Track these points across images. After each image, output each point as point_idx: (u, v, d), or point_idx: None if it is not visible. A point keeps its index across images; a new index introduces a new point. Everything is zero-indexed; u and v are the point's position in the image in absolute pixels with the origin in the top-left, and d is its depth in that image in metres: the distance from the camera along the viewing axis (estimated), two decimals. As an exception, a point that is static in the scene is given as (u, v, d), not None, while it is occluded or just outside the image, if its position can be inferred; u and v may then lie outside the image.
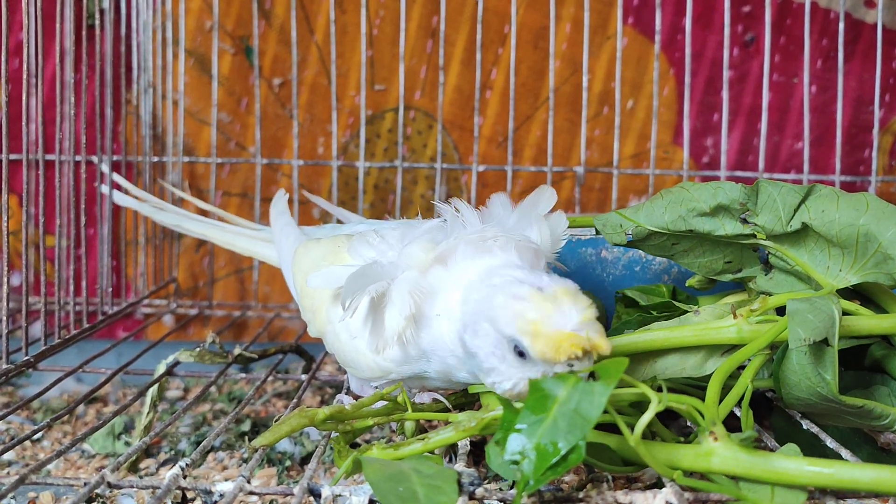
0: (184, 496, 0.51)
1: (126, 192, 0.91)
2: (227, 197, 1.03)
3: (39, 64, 0.74)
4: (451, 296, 0.54)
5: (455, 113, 1.02)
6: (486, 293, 0.52)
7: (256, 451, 0.54)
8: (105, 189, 0.91)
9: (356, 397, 0.66)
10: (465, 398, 0.63)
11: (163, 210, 0.88)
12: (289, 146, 1.02)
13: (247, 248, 0.83)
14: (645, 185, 1.02)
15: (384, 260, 0.57)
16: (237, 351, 0.78)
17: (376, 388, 0.65)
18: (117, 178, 0.92)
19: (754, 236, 0.61)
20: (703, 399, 0.54)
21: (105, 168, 0.92)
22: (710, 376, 0.56)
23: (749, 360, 0.56)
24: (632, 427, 0.46)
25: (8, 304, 0.70)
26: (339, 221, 0.88)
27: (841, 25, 0.96)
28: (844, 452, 0.54)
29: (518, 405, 0.48)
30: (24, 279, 0.73)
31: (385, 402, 0.57)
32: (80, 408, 0.90)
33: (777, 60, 1.00)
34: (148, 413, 0.76)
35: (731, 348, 0.58)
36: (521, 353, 0.49)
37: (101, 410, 0.91)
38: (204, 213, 0.94)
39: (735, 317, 0.57)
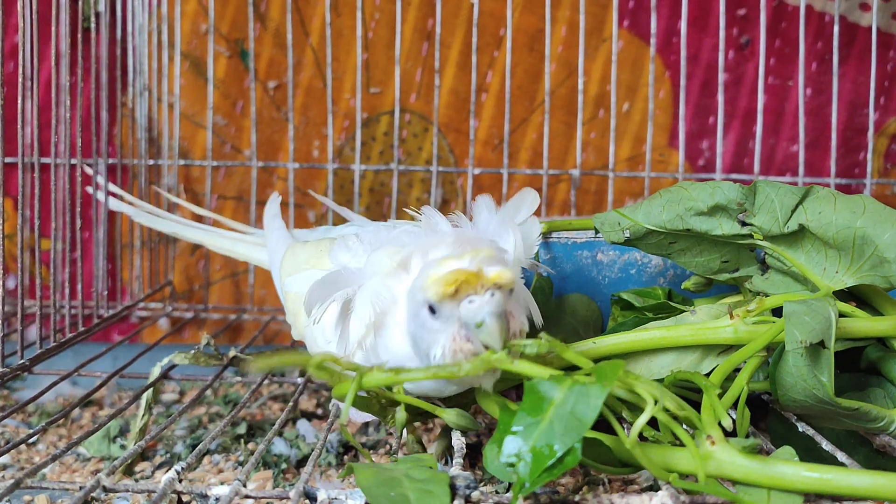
0: (179, 500, 0.51)
1: (121, 198, 0.91)
2: (223, 200, 1.03)
3: (35, 67, 0.74)
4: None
5: (451, 116, 1.02)
6: (419, 276, 0.52)
7: (252, 454, 0.53)
8: (100, 196, 0.91)
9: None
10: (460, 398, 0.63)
11: (159, 217, 0.88)
12: (284, 149, 1.02)
13: (243, 253, 0.83)
14: (641, 188, 1.02)
15: (353, 266, 0.57)
16: (232, 353, 0.78)
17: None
18: (111, 187, 0.92)
19: (751, 237, 0.61)
20: (699, 399, 0.54)
21: (97, 171, 0.92)
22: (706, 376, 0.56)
23: (745, 362, 0.56)
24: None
25: (3, 308, 0.70)
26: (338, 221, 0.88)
27: (836, 28, 0.96)
28: (840, 455, 0.54)
29: (514, 407, 0.48)
30: (19, 282, 0.73)
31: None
32: (76, 411, 0.90)
33: (772, 63, 1.00)
34: (143, 416, 0.76)
35: (727, 348, 0.58)
36: (432, 310, 0.50)
37: (97, 414, 0.91)
38: (199, 217, 0.94)
39: (732, 317, 0.57)
